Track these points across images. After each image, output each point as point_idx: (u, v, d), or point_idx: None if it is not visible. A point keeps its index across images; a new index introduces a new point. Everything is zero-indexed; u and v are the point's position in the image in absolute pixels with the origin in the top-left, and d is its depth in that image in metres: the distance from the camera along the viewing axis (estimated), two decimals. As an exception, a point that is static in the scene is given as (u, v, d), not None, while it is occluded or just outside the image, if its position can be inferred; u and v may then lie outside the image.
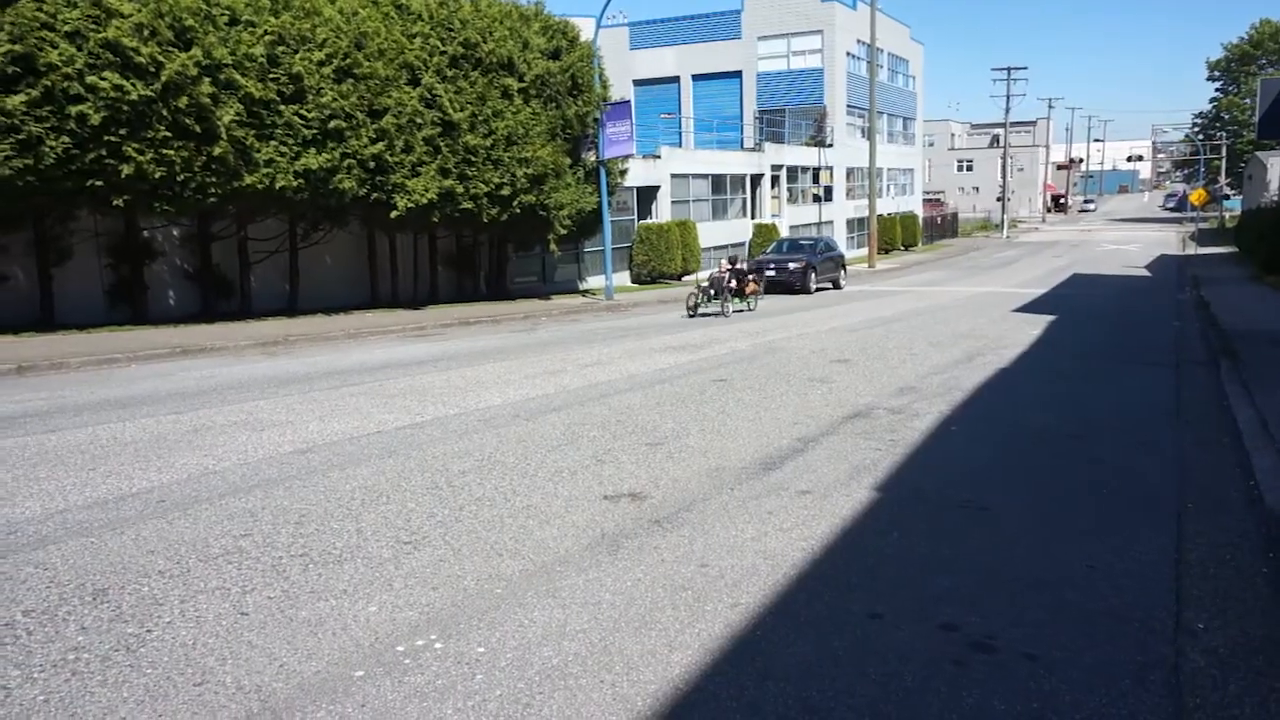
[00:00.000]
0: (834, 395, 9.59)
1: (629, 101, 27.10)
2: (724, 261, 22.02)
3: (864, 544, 4.91)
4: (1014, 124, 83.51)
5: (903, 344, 14.20)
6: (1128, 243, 53.13)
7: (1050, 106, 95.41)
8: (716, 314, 20.26)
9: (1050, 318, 18.61)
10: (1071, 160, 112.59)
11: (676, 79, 52.67)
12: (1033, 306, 21.45)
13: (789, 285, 28.78)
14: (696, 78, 52.48)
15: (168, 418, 8.51)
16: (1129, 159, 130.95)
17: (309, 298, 20.77)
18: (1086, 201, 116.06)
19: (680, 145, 38.12)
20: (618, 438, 7.47)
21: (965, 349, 13.48)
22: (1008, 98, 74.79)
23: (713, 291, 20.61)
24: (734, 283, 21.13)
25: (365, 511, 5.40)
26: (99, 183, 14.55)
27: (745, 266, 22.93)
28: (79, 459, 6.75)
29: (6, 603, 4.02)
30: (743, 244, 41.14)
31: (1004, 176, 77.13)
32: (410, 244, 23.61)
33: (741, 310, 21.62)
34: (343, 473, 6.32)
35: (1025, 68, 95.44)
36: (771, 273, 29.06)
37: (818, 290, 29.64)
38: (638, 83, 50.80)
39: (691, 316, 19.92)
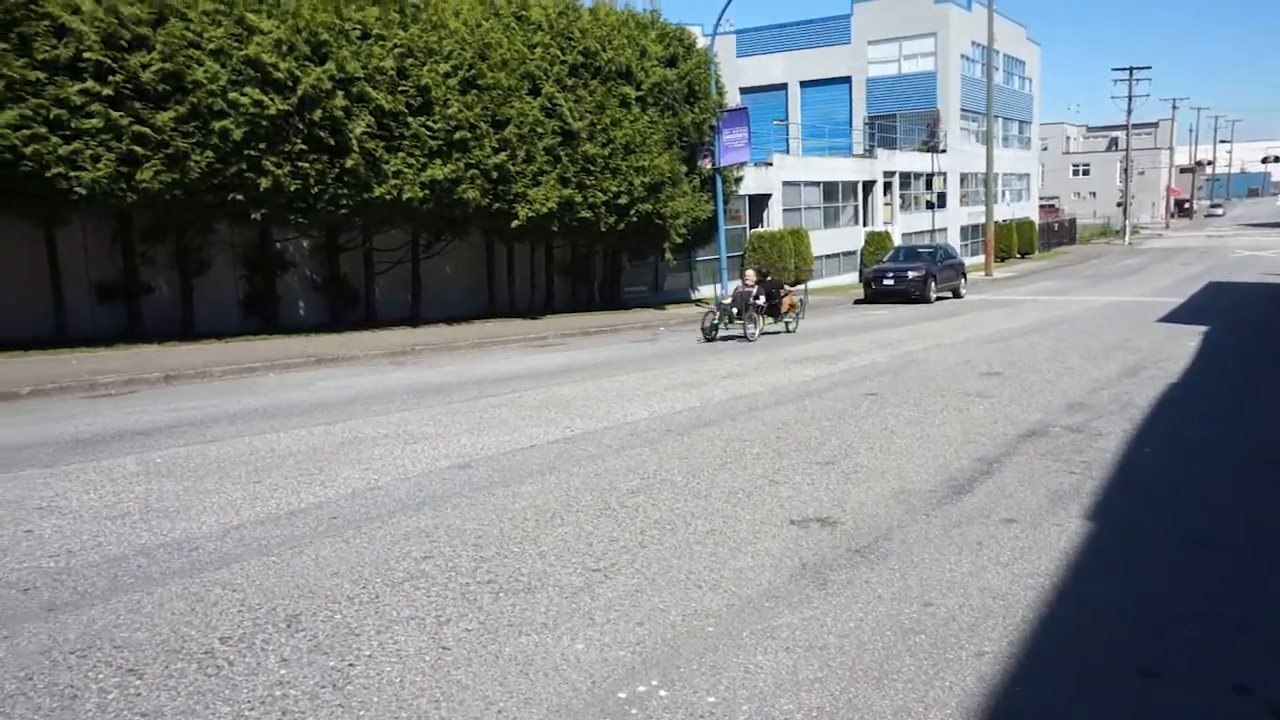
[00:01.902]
0: (999, 411, 8.97)
1: (745, 108, 26.69)
2: (749, 273, 18.56)
3: (1099, 585, 4.39)
4: (1135, 126, 79.86)
5: (1051, 356, 13.39)
6: (1263, 249, 50.02)
7: (1174, 107, 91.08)
8: (738, 337, 16.99)
9: (1202, 328, 17.41)
10: (1198, 163, 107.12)
11: (784, 86, 52.01)
12: (1178, 316, 20.17)
13: (907, 294, 27.90)
14: (805, 84, 51.70)
15: (319, 429, 8.47)
16: (1263, 160, 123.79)
17: (429, 307, 20.96)
18: (1214, 206, 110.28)
19: (787, 152, 37.49)
20: (783, 455, 7.06)
21: (1123, 362, 12.62)
22: (1129, 98, 71.55)
23: (735, 310, 17.26)
24: (762, 299, 17.52)
25: (542, 533, 5.12)
26: (239, 196, 14.87)
27: (778, 277, 20.08)
28: (242, 471, 6.69)
29: (203, 628, 3.85)
30: (855, 252, 40.28)
31: (1126, 180, 73.83)
32: (527, 253, 23.66)
33: (776, 331, 18.35)
34: (508, 490, 6.07)
35: (1148, 67, 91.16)
36: (889, 281, 28.27)
37: (937, 299, 28.63)
38: (744, 90, 50.27)
39: (709, 340, 16.81)
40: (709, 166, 25.78)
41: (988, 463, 6.83)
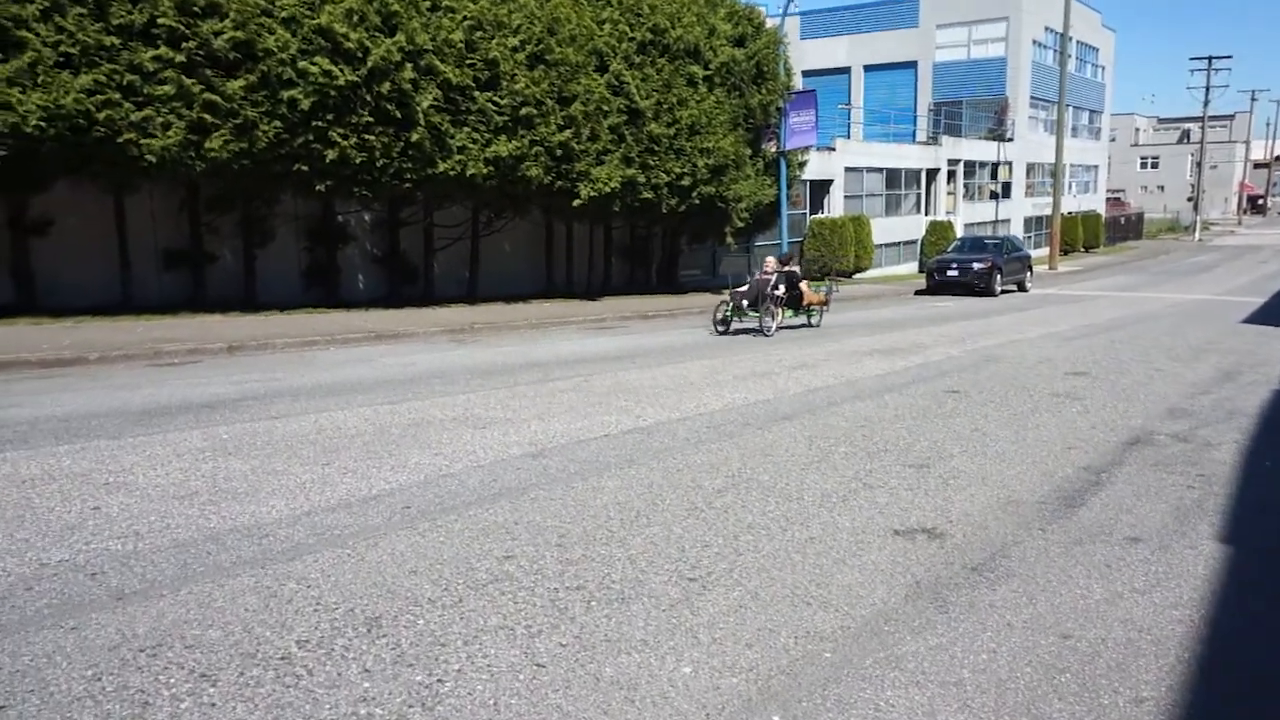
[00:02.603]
0: (1094, 415, 8.46)
1: (813, 91, 26.04)
2: (769, 260, 16.72)
3: (1254, 620, 3.94)
4: (1209, 118, 77.02)
5: (1137, 356, 12.76)
6: (1346, 248, 48.08)
7: (1253, 99, 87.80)
8: (753, 330, 15.70)
9: (1294, 331, 16.57)
10: (1276, 158, 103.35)
11: (848, 70, 50.98)
12: (1263, 317, 19.28)
13: (971, 286, 27.14)
14: (869, 68, 50.64)
15: (384, 407, 8.24)
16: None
17: (487, 285, 20.76)
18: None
19: (848, 138, 36.70)
20: (872, 456, 6.66)
21: (1216, 365, 11.96)
22: (1207, 89, 69.19)
23: (745, 303, 15.59)
24: (781, 289, 15.95)
25: (629, 535, 4.79)
26: (304, 167, 14.72)
27: (799, 268, 18.26)
28: (310, 451, 6.46)
29: (278, 628, 3.58)
30: (915, 241, 39.42)
31: (1199, 174, 71.51)
32: (586, 233, 23.34)
33: (798, 325, 17.08)
34: (586, 483, 5.76)
35: (1228, 56, 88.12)
36: (954, 272, 27.55)
37: (1002, 293, 27.82)
38: (807, 73, 49.28)
39: (722, 333, 15.38)
40: (774, 149, 25.21)
41: (1095, 472, 6.37)
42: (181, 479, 5.68)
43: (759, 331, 15.38)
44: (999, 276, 27.69)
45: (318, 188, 15.12)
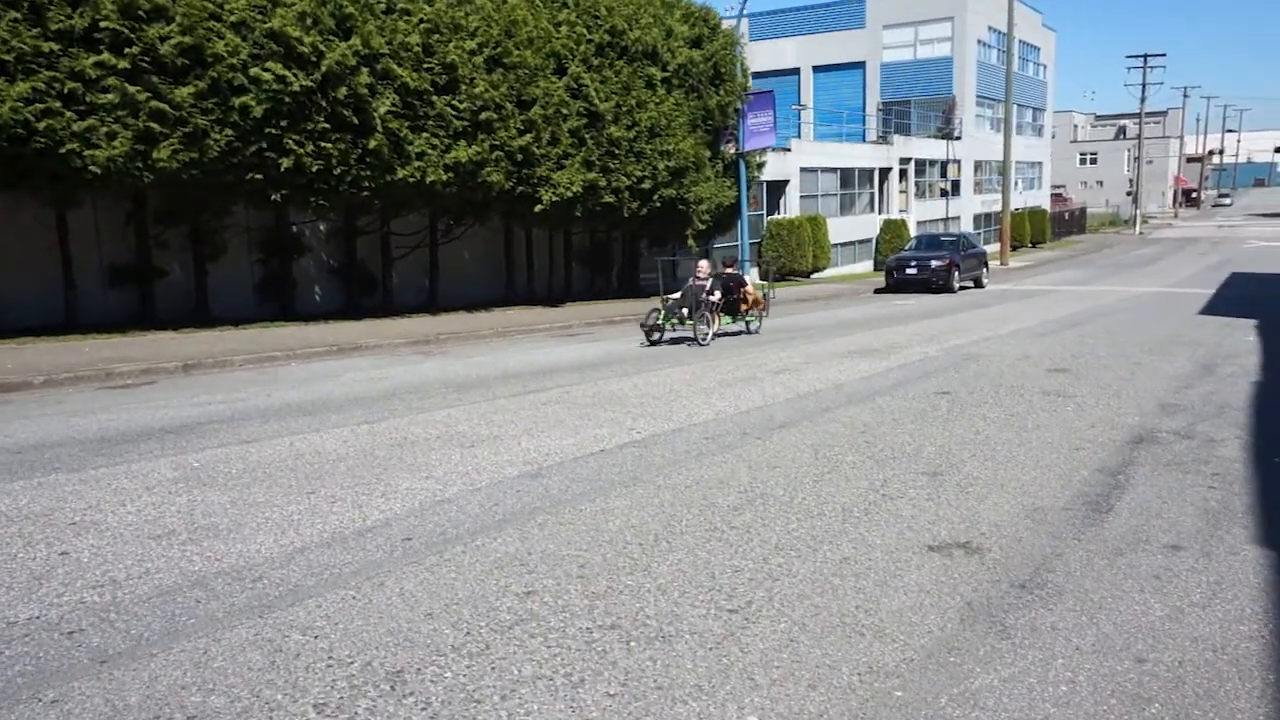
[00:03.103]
0: (1090, 413, 8.33)
1: (771, 92, 25.97)
2: (700, 264, 15.58)
3: (1324, 631, 3.74)
4: (1134, 115, 78.65)
5: (1112, 351, 12.75)
6: (1277, 239, 49.35)
7: (1185, 96, 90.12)
8: (687, 339, 14.50)
9: (1251, 321, 16.77)
10: (1210, 152, 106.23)
11: (797, 70, 51.16)
12: (1216, 308, 19.54)
13: (929, 284, 27.29)
14: (817, 69, 50.88)
15: (362, 427, 7.81)
16: (1277, 150, 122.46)
17: (447, 293, 20.29)
18: (1221, 196, 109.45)
19: (799, 138, 36.74)
20: (882, 464, 6.42)
21: (1191, 358, 11.98)
22: (1143, 86, 70.68)
23: (683, 309, 14.46)
24: (717, 294, 14.90)
25: (652, 562, 4.47)
26: (258, 176, 14.17)
27: (737, 270, 17.08)
28: (291, 478, 6.04)
29: (290, 690, 3.20)
30: (870, 240, 39.65)
31: (1138, 169, 73.09)
32: (545, 239, 22.97)
33: (736, 332, 16.04)
34: (594, 505, 5.43)
35: (1163, 55, 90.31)
36: (913, 270, 27.68)
37: (960, 289, 28.00)
38: (756, 75, 49.22)
39: (652, 343, 14.15)
40: (733, 151, 25.08)
41: (1111, 474, 6.19)
42: (155, 515, 5.23)
43: (692, 341, 14.24)
44: (957, 273, 27.89)
45: (273, 197, 14.58)
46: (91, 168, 12.30)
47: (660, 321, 14.40)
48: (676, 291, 15.49)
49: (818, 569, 4.38)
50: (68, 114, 12.09)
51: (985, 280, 30.28)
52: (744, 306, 16.01)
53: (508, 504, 5.44)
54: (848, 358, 12.34)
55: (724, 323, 15.67)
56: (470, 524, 5.05)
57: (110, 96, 12.40)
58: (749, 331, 16.26)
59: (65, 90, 12.10)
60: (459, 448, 6.97)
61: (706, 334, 14.31)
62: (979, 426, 7.76)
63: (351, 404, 9.08)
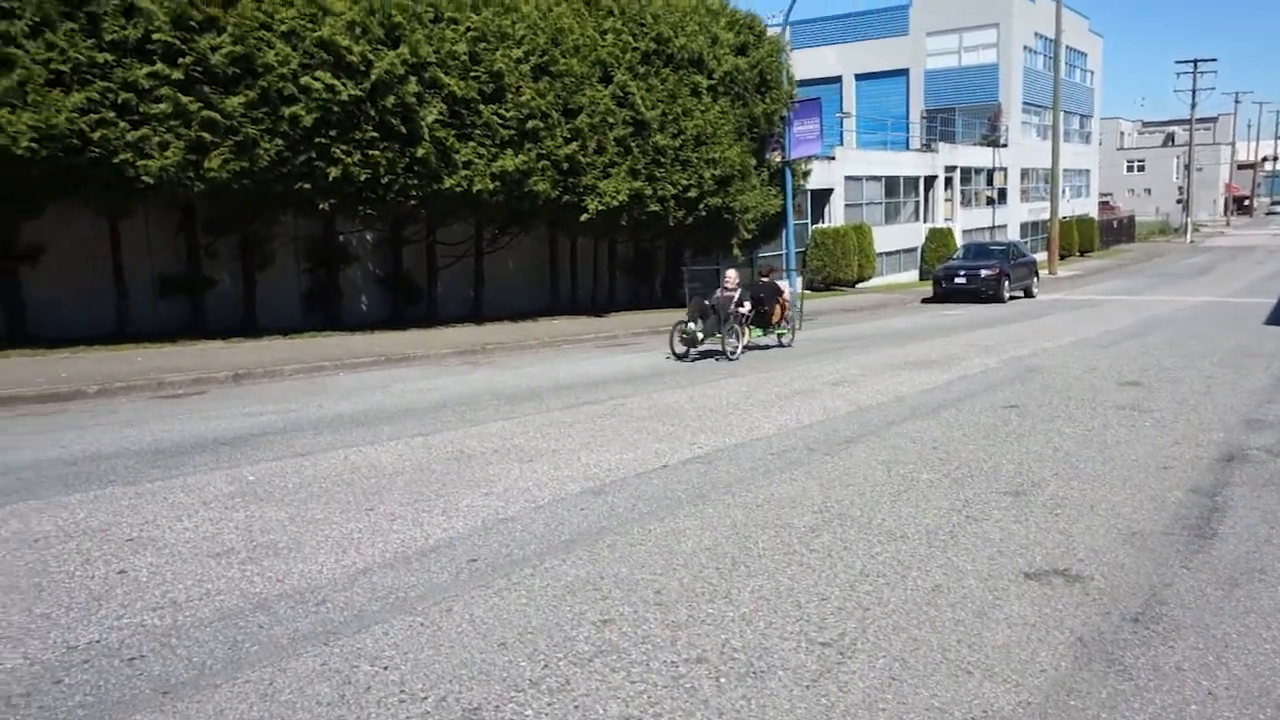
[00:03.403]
0: (1171, 430, 7.95)
1: (818, 99, 25.62)
2: (728, 273, 14.70)
3: None
4: (1185, 121, 76.98)
5: (1181, 363, 12.29)
6: (1341, 248, 48.03)
7: (1236, 101, 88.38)
8: (716, 353, 13.75)
9: (1325, 333, 16.17)
10: (1263, 159, 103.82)
11: (838, 79, 50.70)
12: (1283, 318, 18.89)
13: (978, 294, 26.79)
14: (860, 77, 50.42)
15: (416, 440, 7.65)
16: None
17: (492, 303, 20.19)
18: (1275, 203, 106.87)
19: (840, 145, 36.32)
20: (960, 483, 6.11)
21: (1269, 371, 11.52)
22: (1193, 92, 69.39)
23: (706, 322, 13.50)
24: (746, 306, 14.21)
25: (732, 588, 4.23)
26: (307, 186, 14.15)
27: (773, 279, 16.22)
28: (349, 494, 5.87)
29: (363, 728, 3.00)
30: (915, 249, 39.12)
31: (1188, 177, 71.64)
32: (590, 248, 22.83)
33: (766, 346, 15.33)
34: (663, 525, 5.19)
35: (1214, 60, 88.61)
36: (962, 279, 27.20)
37: (1010, 299, 27.45)
38: (798, 83, 48.99)
39: (680, 358, 13.37)
40: (779, 159, 24.76)
41: (1207, 495, 5.84)
42: (213, 532, 5.08)
43: (720, 355, 13.53)
44: (1007, 283, 27.37)
45: (321, 207, 14.55)
46: (144, 177, 12.33)
47: (690, 334, 13.40)
48: (709, 303, 14.35)
49: (909, 598, 4.11)
50: (121, 124, 12.14)
51: (1035, 290, 29.71)
52: (775, 319, 15.27)
53: (573, 523, 5.23)
54: (905, 369, 12.00)
55: (754, 335, 14.90)
56: (536, 544, 4.84)
57: (163, 106, 12.43)
58: (780, 345, 15.50)
59: (119, 100, 12.14)
60: (517, 462, 6.77)
61: (736, 348, 13.61)
62: (1056, 443, 7.42)
63: (404, 415, 8.94)
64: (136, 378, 11.20)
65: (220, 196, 13.64)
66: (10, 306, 13.31)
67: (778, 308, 15.27)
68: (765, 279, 15.85)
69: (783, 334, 15.61)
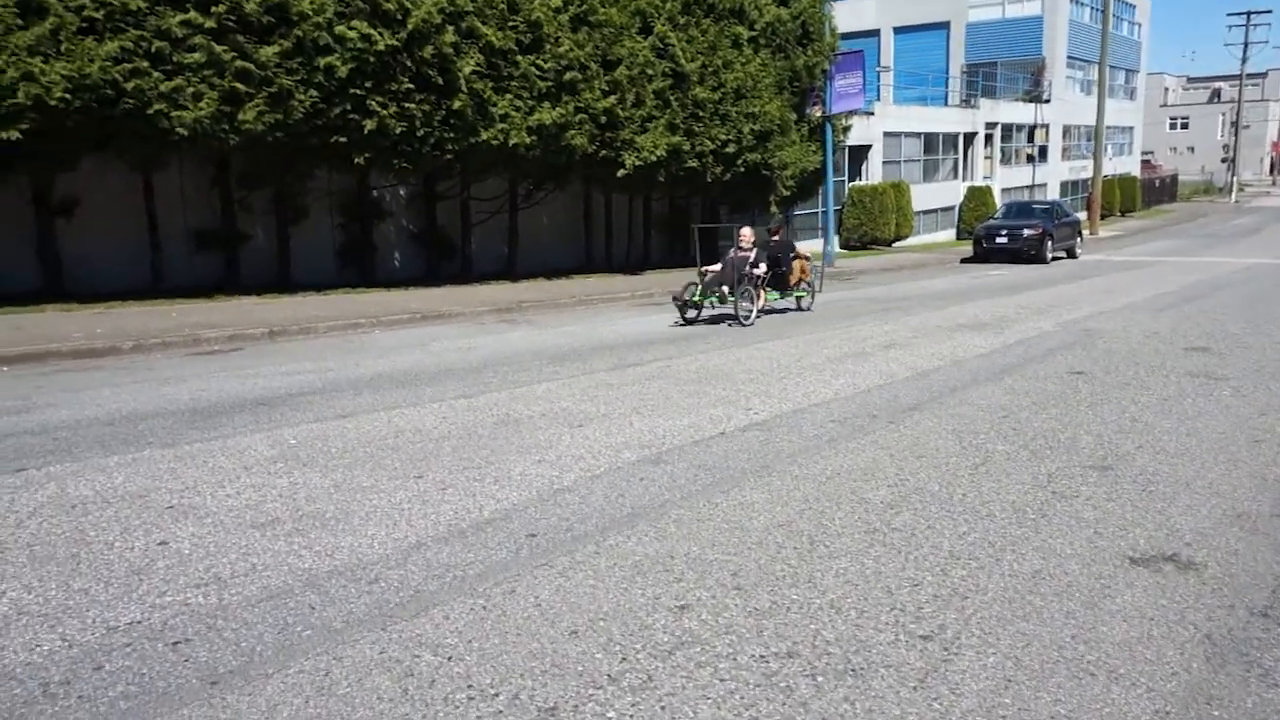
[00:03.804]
0: (1253, 400, 7.52)
1: (860, 51, 24.87)
2: (743, 231, 13.58)
3: None
4: (1234, 77, 74.42)
5: (1249, 329, 11.77)
6: (1398, 209, 46.52)
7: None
8: (729, 317, 12.89)
9: (1395, 298, 15.51)
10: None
11: (876, 32, 49.38)
12: (1351, 283, 18.18)
13: (1020, 253, 26.11)
14: (899, 30, 49.09)
15: (459, 402, 7.38)
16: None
17: (526, 260, 19.87)
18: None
19: (879, 101, 35.37)
20: (1038, 456, 5.75)
21: (1346, 337, 10.97)
22: (1245, 45, 67.12)
23: (724, 285, 12.82)
24: (762, 267, 13.27)
25: (814, 571, 3.91)
26: (342, 139, 13.82)
27: (787, 237, 15.06)
28: (395, 460, 5.61)
29: (431, 729, 2.72)
30: (953, 208, 38.27)
31: (1235, 135, 69.61)
32: (625, 205, 22.38)
33: (784, 309, 14.37)
34: (729, 498, 4.88)
35: (1269, 11, 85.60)
36: (1003, 239, 26.52)
37: (1053, 260, 26.75)
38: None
39: (686, 322, 12.69)
40: (819, 114, 24.09)
41: (1309, 473, 5.44)
42: (256, 499, 4.83)
43: (733, 320, 12.59)
44: (1050, 243, 26.67)
45: (356, 160, 14.22)
46: (179, 129, 12.05)
47: (697, 298, 12.59)
48: (716, 263, 13.49)
49: (1008, 585, 3.78)
50: (155, 74, 11.84)
51: (1078, 250, 28.96)
52: (793, 280, 14.23)
53: (634, 494, 4.93)
54: (958, 332, 11.58)
55: (770, 298, 13.86)
56: (597, 518, 4.54)
57: (197, 56, 12.11)
58: (799, 309, 14.44)
59: (153, 49, 11.84)
60: (567, 427, 6.47)
61: (750, 311, 12.64)
62: (1132, 412, 7.02)
63: (444, 376, 8.67)
64: (172, 334, 11.01)
65: (254, 149, 13.36)
66: (46, 260, 13.15)
67: (795, 268, 14.28)
68: (776, 238, 14.56)
69: (801, 296, 14.54)
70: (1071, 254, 28.40)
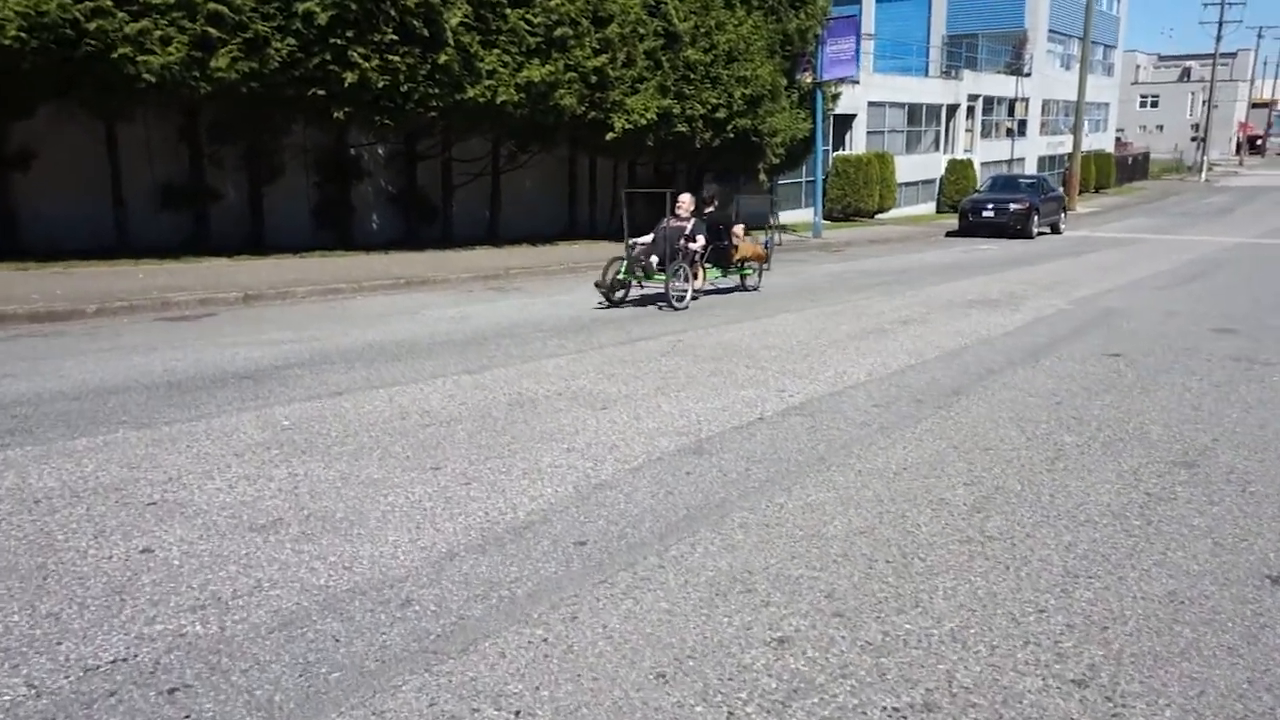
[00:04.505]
0: (1308, 387, 7.09)
1: (854, 16, 24.25)
2: (681, 198, 11.71)
3: None
4: (1210, 57, 74.67)
5: (1267, 310, 11.42)
6: (1367, 190, 46.90)
7: (1259, 37, 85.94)
8: (658, 298, 11.05)
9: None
10: (1276, 99, 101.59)
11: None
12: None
13: (1005, 228, 25.85)
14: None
15: (464, 378, 6.74)
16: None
17: (509, 225, 19.12)
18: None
19: (861, 70, 34.71)
20: (1111, 449, 5.25)
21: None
22: (1220, 24, 67.27)
23: (653, 260, 10.91)
24: (699, 240, 11.42)
25: (919, 590, 3.36)
26: (320, 91, 12.97)
27: (721, 209, 13.68)
28: (405, 447, 4.98)
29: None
30: (934, 180, 37.88)
31: (1206, 114, 69.89)
32: (609, 170, 21.65)
33: (730, 289, 12.67)
34: (792, 498, 4.32)
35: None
36: (989, 213, 26.22)
37: (1038, 235, 26.48)
38: (819, 2, 46.95)
39: (611, 303, 10.87)
40: (809, 80, 23.44)
41: None
42: (252, 494, 4.18)
43: (665, 302, 10.70)
44: (1036, 218, 26.40)
45: (335, 115, 13.40)
46: (145, 75, 11.16)
47: (622, 275, 10.83)
48: (648, 236, 11.48)
49: (1147, 611, 3.25)
50: (119, 14, 10.92)
51: (1062, 226, 28.73)
52: (735, 256, 12.39)
53: (684, 492, 4.35)
54: (972, 309, 11.10)
55: (711, 277, 12.16)
56: (651, 521, 3.96)
57: (165, -5, 11.19)
58: (745, 288, 12.77)
59: (116, -13, 10.90)
60: (589, 409, 5.87)
61: (685, 292, 10.92)
62: (1191, 400, 6.55)
63: (441, 348, 8.02)
64: (139, 296, 10.23)
65: (226, 100, 12.48)
66: (0, 215, 12.23)
67: (746, 247, 12.54)
68: (711, 208, 12.55)
69: (747, 274, 12.82)
70: (1055, 229, 28.18)
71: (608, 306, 10.79)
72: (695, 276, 11.43)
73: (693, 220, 11.52)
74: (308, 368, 7.02)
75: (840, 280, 14.42)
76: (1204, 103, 73.86)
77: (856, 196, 30.72)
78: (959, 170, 37.36)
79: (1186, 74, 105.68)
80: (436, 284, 13.06)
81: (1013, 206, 26.18)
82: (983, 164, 40.24)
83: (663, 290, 10.79)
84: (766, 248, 13.15)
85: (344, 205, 16.20)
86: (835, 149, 31.85)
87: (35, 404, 5.74)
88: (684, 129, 19.11)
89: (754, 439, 5.27)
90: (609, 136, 17.63)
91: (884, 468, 4.78)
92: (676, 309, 10.60)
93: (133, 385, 6.31)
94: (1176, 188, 57.06)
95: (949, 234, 26.72)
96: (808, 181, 30.02)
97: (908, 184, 35.66)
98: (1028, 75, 44.24)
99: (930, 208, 37.67)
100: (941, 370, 7.38)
